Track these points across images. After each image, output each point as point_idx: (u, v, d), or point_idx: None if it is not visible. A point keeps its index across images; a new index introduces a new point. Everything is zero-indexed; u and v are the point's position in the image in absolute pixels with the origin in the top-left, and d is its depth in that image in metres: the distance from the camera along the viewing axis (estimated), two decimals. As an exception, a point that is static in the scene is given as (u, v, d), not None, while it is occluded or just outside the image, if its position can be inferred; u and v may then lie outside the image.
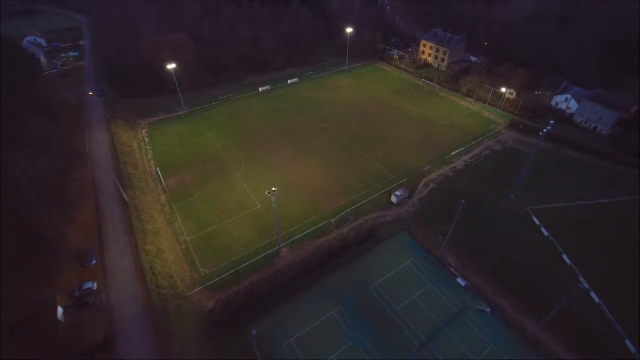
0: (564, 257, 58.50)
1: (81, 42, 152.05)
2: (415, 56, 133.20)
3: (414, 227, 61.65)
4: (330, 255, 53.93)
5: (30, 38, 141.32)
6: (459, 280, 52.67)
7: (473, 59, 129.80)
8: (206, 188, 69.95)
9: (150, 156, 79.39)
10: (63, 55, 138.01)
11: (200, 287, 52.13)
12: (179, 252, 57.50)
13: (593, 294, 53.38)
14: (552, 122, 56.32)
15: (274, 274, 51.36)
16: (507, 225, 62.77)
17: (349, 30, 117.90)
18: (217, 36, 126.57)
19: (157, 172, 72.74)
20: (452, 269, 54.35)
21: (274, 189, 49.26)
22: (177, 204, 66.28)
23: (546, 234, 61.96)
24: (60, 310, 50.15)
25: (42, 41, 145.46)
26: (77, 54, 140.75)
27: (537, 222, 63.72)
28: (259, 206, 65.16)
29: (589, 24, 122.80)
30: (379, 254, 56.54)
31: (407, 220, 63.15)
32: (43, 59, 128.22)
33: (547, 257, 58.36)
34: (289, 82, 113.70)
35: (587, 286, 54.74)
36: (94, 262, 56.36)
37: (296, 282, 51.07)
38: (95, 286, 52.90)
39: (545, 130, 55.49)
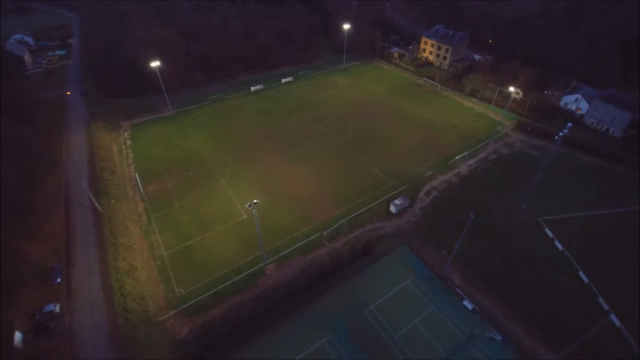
0: (581, 274, 52.76)
1: (70, 40, 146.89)
2: (415, 54, 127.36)
3: (414, 240, 55.81)
4: (321, 273, 48.08)
5: (17, 36, 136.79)
6: (466, 303, 46.86)
7: (476, 57, 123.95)
8: (188, 196, 64.19)
9: (130, 160, 73.64)
10: (49, 53, 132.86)
11: (175, 310, 46.34)
12: (154, 268, 51.71)
13: (613, 317, 47.69)
14: (569, 124, 50.39)
15: (256, 296, 45.58)
16: (518, 238, 56.94)
17: (346, 26, 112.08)
18: (209, 33, 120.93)
19: (136, 178, 66.96)
20: (457, 289, 48.52)
21: (255, 200, 43.49)
22: (156, 214, 60.52)
23: (560, 247, 56.17)
24: (18, 335, 44.43)
25: (29, 39, 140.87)
26: (64, 52, 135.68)
27: (550, 235, 57.91)
28: (245, 216, 59.37)
29: (598, 21, 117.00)
30: (375, 271, 50.68)
31: (407, 232, 57.30)
32: (27, 58, 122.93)
33: (563, 274, 52.57)
34: (283, 80, 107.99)
35: (606, 307, 49.10)
36: (59, 280, 50.64)
37: (281, 305, 45.21)
38: (57, 309, 47.09)
39: (561, 134, 49.65)
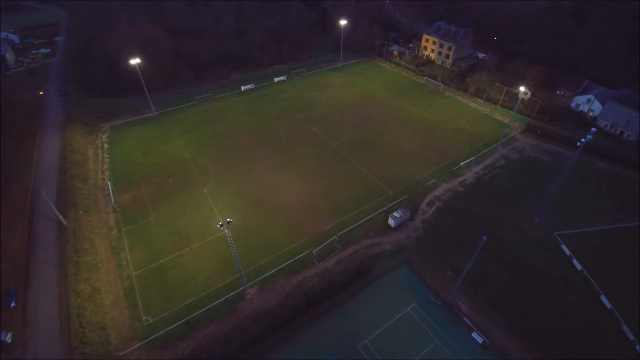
0: (602, 298, 46.65)
1: (56, 38, 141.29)
2: (416, 52, 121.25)
3: (416, 258, 49.57)
4: (309, 300, 41.90)
5: (2, 34, 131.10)
6: (475, 335, 40.70)
7: (480, 55, 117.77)
8: (165, 206, 58.05)
9: (105, 166, 67.52)
10: (33, 51, 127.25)
11: (139, 343, 40.22)
12: (120, 292, 45.57)
13: (640, 348, 41.68)
14: (593, 129, 44.44)
15: (233, 328, 39.43)
16: (532, 256, 50.77)
17: (343, 22, 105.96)
18: (199, 30, 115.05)
19: (109, 186, 60.85)
20: (465, 319, 42.35)
21: (228, 219, 37.43)
22: (127, 227, 54.39)
23: (579, 267, 50.02)
24: (-38, 369, 38.50)
25: (15, 37, 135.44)
26: (48, 50, 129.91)
27: (567, 252, 51.74)
28: (226, 231, 53.05)
29: (607, 19, 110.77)
30: (371, 296, 44.44)
31: (407, 249, 51.05)
32: (10, 56, 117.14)
33: (582, 298, 46.46)
34: (276, 79, 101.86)
35: (631, 337, 43.03)
36: (13, 304, 44.59)
37: (261, 339, 39.05)
38: (8, 338, 41.10)
39: (583, 140, 43.59)
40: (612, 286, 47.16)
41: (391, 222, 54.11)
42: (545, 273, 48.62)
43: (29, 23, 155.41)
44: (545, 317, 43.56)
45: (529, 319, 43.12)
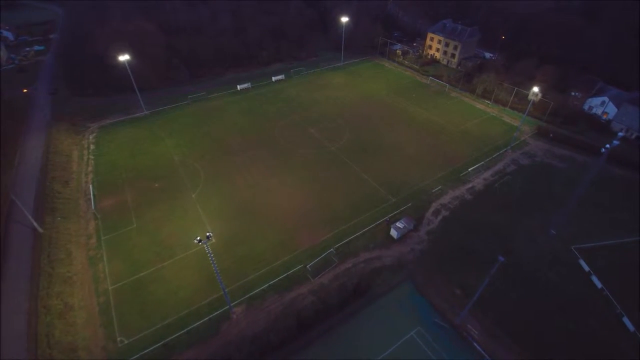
0: (625, 319, 42.21)
1: (51, 36, 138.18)
2: (420, 51, 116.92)
3: (420, 275, 45.13)
4: (300, 323, 37.61)
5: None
6: (487, 364, 36.40)
7: (487, 54, 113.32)
8: (150, 213, 53.96)
9: (90, 168, 63.61)
10: (26, 49, 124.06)
11: (112, 368, 36.23)
12: (94, 308, 41.49)
13: (670, 377, 37.22)
14: (620, 134, 40.19)
15: (213, 353, 35.19)
16: (548, 272, 46.30)
17: (344, 19, 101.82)
18: (195, 28, 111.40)
19: (90, 190, 56.90)
20: (475, 344, 37.97)
21: (208, 233, 33.26)
22: (108, 235, 50.34)
23: (599, 284, 45.56)
24: None
25: (9, 34, 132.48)
26: (42, 47, 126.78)
27: (586, 268, 47.28)
28: (213, 240, 48.96)
29: (620, 18, 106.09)
30: (371, 319, 40.05)
31: (411, 264, 46.61)
32: (2, 53, 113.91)
33: (603, 320, 41.99)
34: (274, 79, 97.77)
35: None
36: (-20, 320, 40.70)
37: (247, 367, 34.93)
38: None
39: (608, 146, 39.28)
40: (635, 307, 42.80)
41: (393, 233, 49.74)
42: (563, 292, 44.17)
43: (26, 21, 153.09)
44: (564, 342, 39.16)
45: (544, 344, 38.71)
